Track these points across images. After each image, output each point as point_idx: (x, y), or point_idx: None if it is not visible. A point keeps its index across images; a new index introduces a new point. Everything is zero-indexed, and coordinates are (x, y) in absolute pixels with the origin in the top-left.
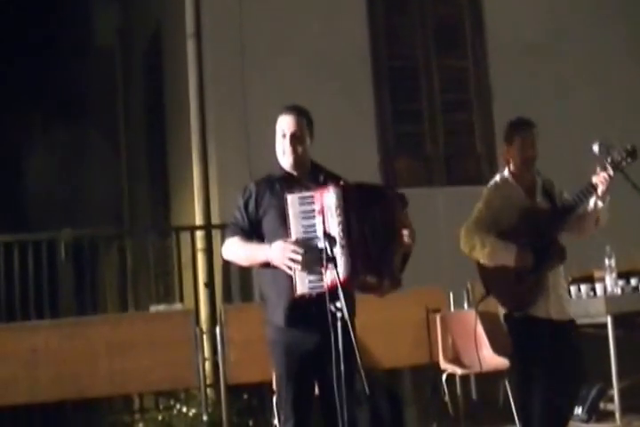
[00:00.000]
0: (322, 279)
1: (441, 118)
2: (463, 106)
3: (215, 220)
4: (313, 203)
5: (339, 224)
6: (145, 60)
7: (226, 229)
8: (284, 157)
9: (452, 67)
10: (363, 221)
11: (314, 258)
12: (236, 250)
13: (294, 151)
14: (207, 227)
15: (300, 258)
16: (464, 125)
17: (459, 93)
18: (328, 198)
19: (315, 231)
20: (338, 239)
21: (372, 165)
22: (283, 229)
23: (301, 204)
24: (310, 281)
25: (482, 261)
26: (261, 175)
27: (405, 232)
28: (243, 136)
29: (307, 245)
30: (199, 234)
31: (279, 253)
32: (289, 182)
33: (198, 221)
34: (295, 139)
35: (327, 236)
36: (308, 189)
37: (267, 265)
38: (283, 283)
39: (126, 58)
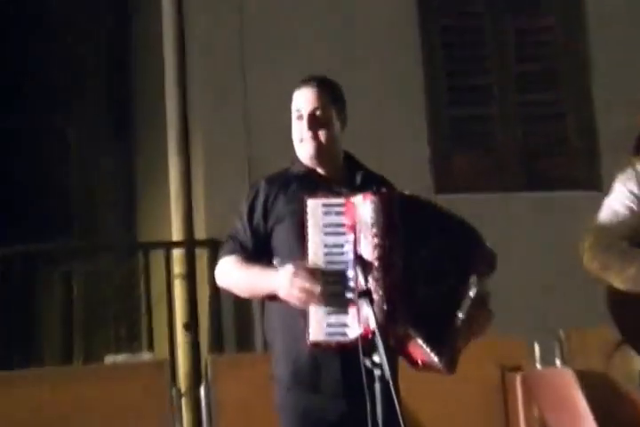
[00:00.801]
0: (347, 323)
1: (516, 98)
2: (548, 81)
3: (200, 234)
4: (343, 214)
5: (375, 248)
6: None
7: (222, 245)
8: (302, 147)
9: (532, 27)
10: (413, 252)
11: (338, 290)
12: (234, 275)
13: (315, 137)
14: (188, 244)
15: (317, 289)
16: (549, 108)
17: (542, 64)
18: (364, 210)
19: (342, 253)
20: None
21: (419, 163)
22: (299, 248)
23: (326, 213)
24: (330, 324)
25: (620, 286)
26: (269, 172)
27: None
28: (239, 122)
29: (329, 271)
30: (177, 253)
31: (289, 280)
32: (311, 182)
33: (176, 235)
34: (315, 120)
35: (360, 260)
36: (337, 193)
37: (274, 298)
38: (293, 324)
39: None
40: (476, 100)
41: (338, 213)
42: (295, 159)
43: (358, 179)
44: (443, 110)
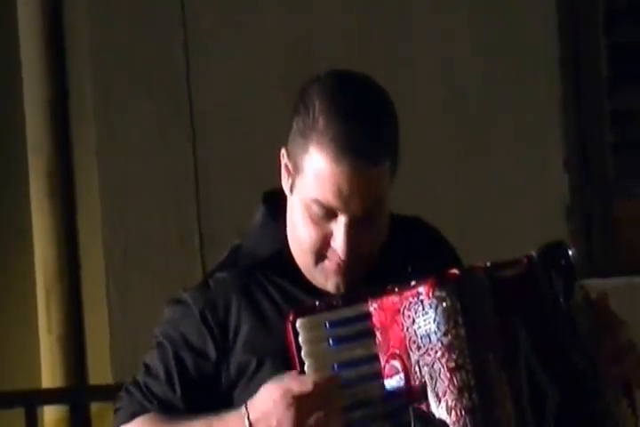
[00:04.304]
0: None
1: None
2: None
3: (97, 377)
4: (371, 334)
5: (458, 386)
6: None
7: (115, 411)
8: (321, 266)
9: None
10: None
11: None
12: None
13: (355, 258)
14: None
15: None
16: None
17: None
18: (422, 317)
19: (379, 400)
20: (452, 425)
21: (549, 177)
22: None
23: (339, 339)
24: None
25: None
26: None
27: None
28: (181, 135)
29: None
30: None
31: (276, 405)
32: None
33: (49, 381)
34: (362, 226)
35: (420, 417)
36: (357, 295)
37: None
38: None
39: None
40: None
41: (361, 336)
42: (267, 232)
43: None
44: (592, 91)
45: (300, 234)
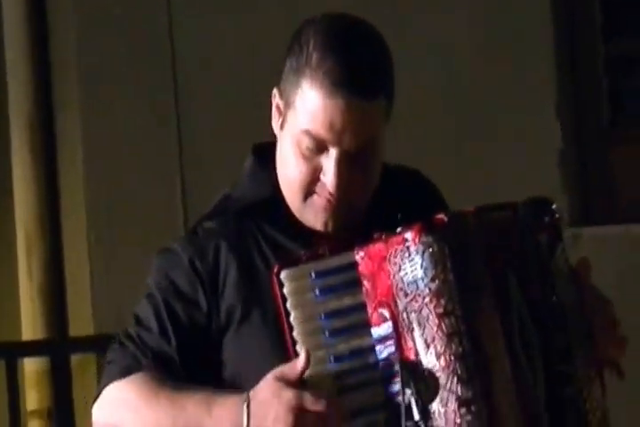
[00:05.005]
0: None
1: None
2: None
3: (79, 329)
4: (360, 283)
5: (447, 332)
6: None
7: (109, 357)
8: (309, 203)
9: None
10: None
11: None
12: (141, 414)
13: (345, 197)
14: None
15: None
16: None
17: None
18: (409, 264)
19: (370, 360)
20: (441, 371)
21: (540, 163)
22: (282, 362)
23: (325, 290)
24: None
25: None
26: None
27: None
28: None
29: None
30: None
31: (274, 403)
32: (301, 234)
33: (29, 332)
34: (354, 165)
35: (410, 367)
36: (341, 243)
37: None
38: None
39: None
40: None
41: (347, 285)
42: (256, 180)
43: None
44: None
45: (289, 171)
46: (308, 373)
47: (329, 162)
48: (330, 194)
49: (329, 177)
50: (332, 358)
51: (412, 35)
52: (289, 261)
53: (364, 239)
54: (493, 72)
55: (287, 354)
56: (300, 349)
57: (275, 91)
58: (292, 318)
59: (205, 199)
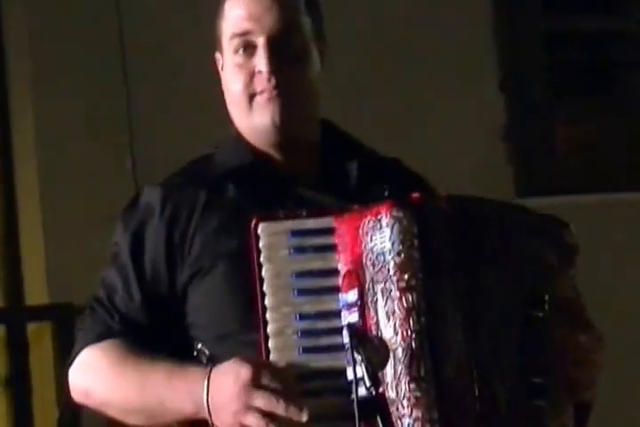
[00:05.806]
0: None
1: None
2: None
3: (35, 298)
4: (333, 248)
5: (407, 307)
6: None
7: (78, 323)
8: (254, 110)
9: None
10: (485, 305)
11: (336, 408)
12: (111, 383)
13: (283, 86)
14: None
15: (296, 411)
16: None
17: None
18: (378, 236)
19: (336, 330)
20: (397, 345)
21: (484, 136)
22: (246, 320)
23: (299, 249)
24: None
25: None
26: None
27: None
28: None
29: (313, 370)
30: None
31: (239, 394)
32: (266, 184)
33: None
34: (283, 52)
35: (355, 334)
36: (318, 205)
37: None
38: None
39: None
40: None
41: (321, 249)
42: (226, 141)
43: (353, 173)
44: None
45: (232, 87)
46: (269, 328)
47: (259, 52)
48: (268, 83)
49: (261, 64)
50: (297, 316)
51: (348, 8)
52: (267, 216)
53: (340, 207)
54: (437, 46)
55: (254, 306)
56: (271, 308)
57: (217, 55)
58: (263, 271)
59: (156, 170)
